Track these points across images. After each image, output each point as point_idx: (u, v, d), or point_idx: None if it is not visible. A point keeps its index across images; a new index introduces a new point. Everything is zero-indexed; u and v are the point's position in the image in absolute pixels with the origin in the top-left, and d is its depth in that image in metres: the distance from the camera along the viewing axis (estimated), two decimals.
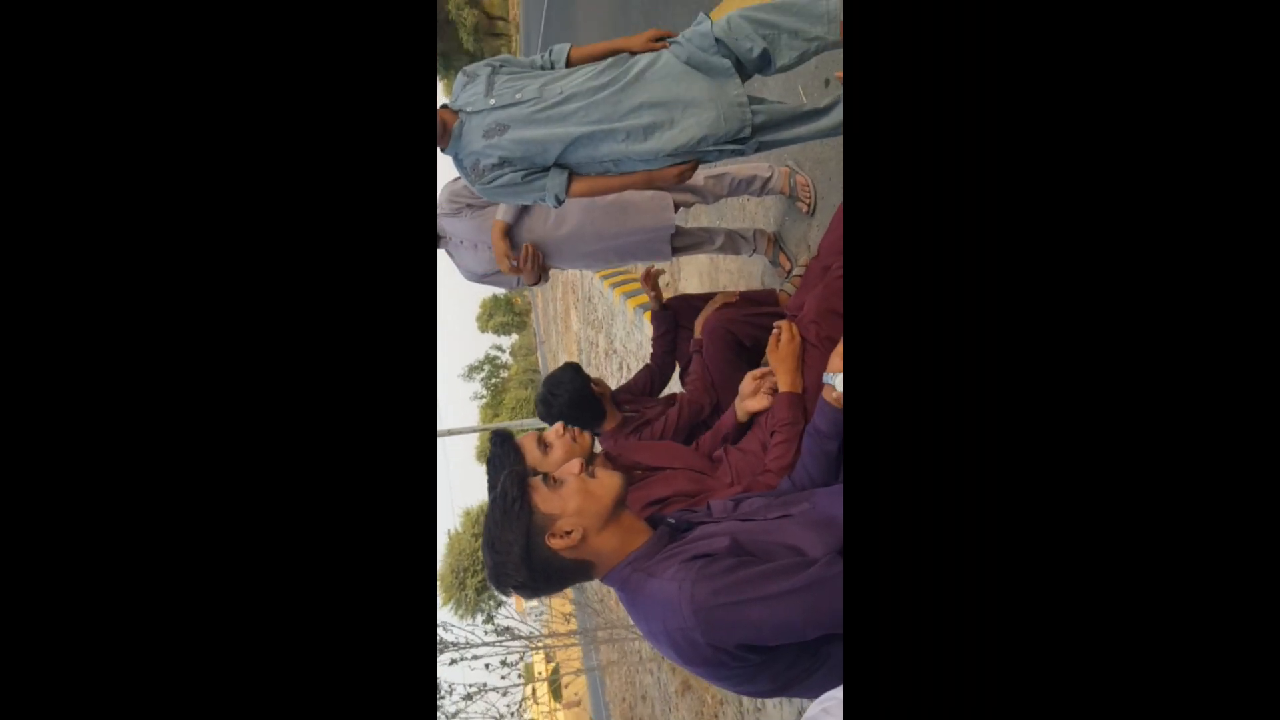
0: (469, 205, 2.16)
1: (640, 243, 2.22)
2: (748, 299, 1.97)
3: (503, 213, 2.07)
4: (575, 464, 1.07)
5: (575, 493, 1.03)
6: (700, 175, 2.23)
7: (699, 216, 3.15)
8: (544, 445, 1.47)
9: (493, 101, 1.62)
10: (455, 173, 2.12)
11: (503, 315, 38.83)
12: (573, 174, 1.68)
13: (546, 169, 1.67)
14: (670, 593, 0.92)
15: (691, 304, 2.10)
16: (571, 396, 1.82)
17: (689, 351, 2.00)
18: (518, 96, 1.61)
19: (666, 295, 2.23)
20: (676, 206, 2.25)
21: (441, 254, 2.27)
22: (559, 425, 1.53)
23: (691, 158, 1.62)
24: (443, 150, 1.69)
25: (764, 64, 1.56)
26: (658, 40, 1.62)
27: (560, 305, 10.10)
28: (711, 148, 1.60)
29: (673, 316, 2.16)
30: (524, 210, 2.11)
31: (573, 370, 1.94)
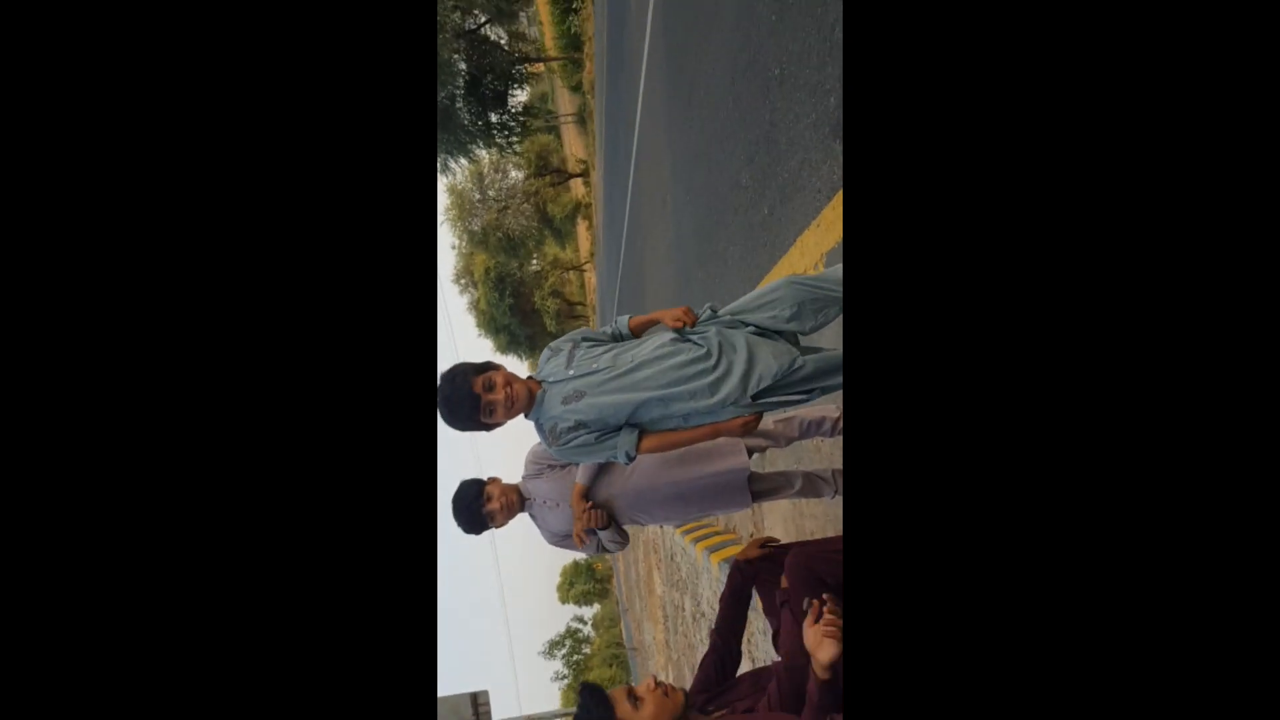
0: (550, 466, 2.22)
1: (716, 488, 2.18)
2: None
3: (581, 474, 2.12)
4: None
5: None
6: (769, 420, 2.25)
7: (775, 461, 3.11)
8: (635, 699, 1.34)
9: (571, 372, 1.76)
10: (536, 438, 2.23)
11: (584, 583, 37.80)
12: (643, 431, 1.73)
13: (618, 429, 1.74)
14: None
15: (775, 560, 1.97)
16: None
17: (776, 605, 1.83)
18: (594, 366, 1.75)
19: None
20: (751, 452, 2.24)
21: (527, 519, 2.30)
22: (650, 679, 1.40)
23: (755, 410, 1.66)
24: (526, 416, 1.80)
25: (797, 326, 1.73)
26: (679, 322, 1.79)
27: (642, 567, 9.77)
28: (774, 400, 1.66)
29: (751, 572, 2.02)
30: (601, 468, 2.15)
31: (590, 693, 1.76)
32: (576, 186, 26.09)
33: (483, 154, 23.02)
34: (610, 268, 13.97)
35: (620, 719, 1.35)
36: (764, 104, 3.18)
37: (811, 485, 2.33)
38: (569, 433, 1.74)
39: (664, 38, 5.71)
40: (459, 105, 20.95)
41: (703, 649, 3.83)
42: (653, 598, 8.72)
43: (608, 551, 2.30)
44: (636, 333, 1.89)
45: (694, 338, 1.73)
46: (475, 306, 32.19)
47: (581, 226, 26.10)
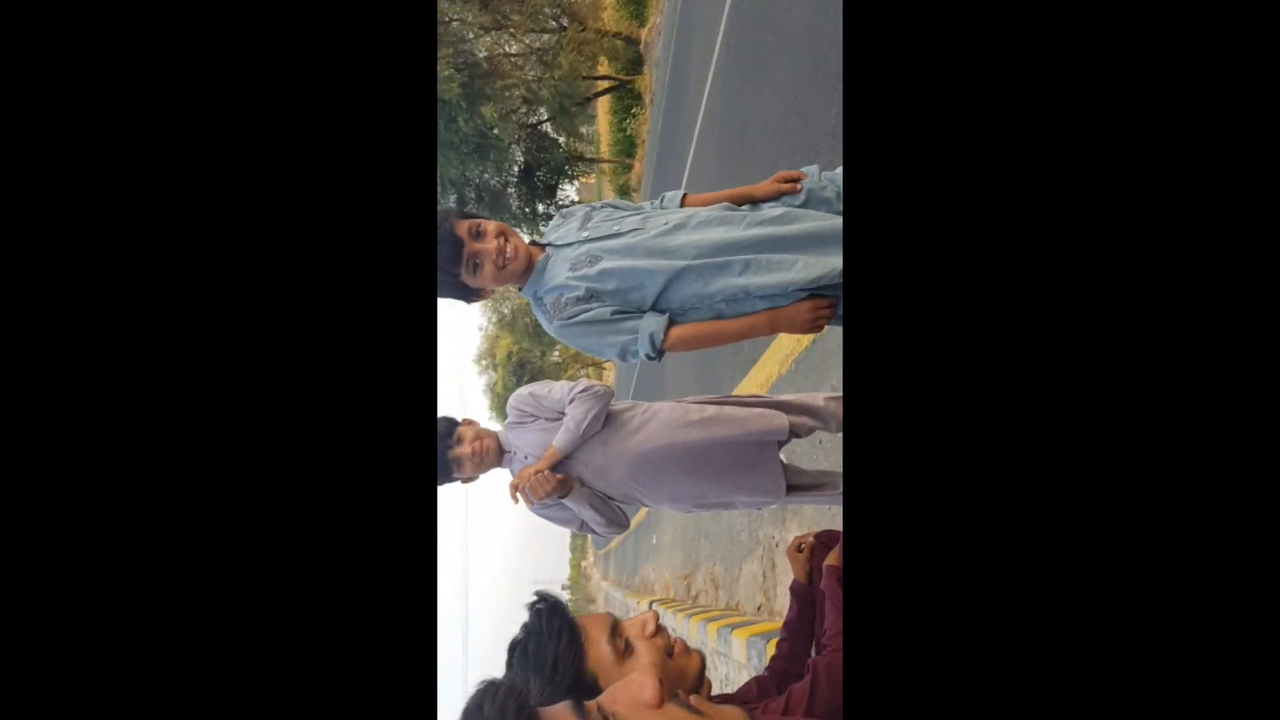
0: (534, 416, 1.78)
1: (743, 456, 1.72)
2: None
3: (559, 438, 1.66)
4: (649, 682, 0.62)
5: None
6: (820, 395, 1.82)
7: (820, 462, 2.64)
8: (622, 643, 0.86)
9: (586, 234, 1.37)
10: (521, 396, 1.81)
11: None
12: (673, 319, 1.32)
13: (640, 313, 1.33)
14: None
15: (830, 539, 1.50)
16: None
17: (821, 594, 1.35)
18: (615, 228, 1.36)
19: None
20: (792, 433, 1.80)
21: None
22: (650, 617, 0.92)
23: (833, 295, 1.25)
24: (520, 290, 1.40)
25: None
26: (787, 182, 1.39)
27: None
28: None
29: (809, 588, 1.55)
30: (591, 435, 1.70)
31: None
32: None
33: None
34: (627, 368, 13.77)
35: (592, 668, 0.86)
36: (831, 103, 2.98)
37: None
38: (576, 304, 1.31)
39: (717, 116, 5.74)
40: (510, 190, 21.80)
41: None
42: None
43: (593, 533, 1.82)
44: None
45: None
46: (492, 389, 32.10)
47: None
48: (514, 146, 20.78)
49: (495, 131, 18.95)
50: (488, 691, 0.59)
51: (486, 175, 20.16)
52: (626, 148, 19.98)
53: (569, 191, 24.47)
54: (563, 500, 1.70)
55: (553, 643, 0.86)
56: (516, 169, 21.31)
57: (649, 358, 1.32)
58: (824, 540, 1.58)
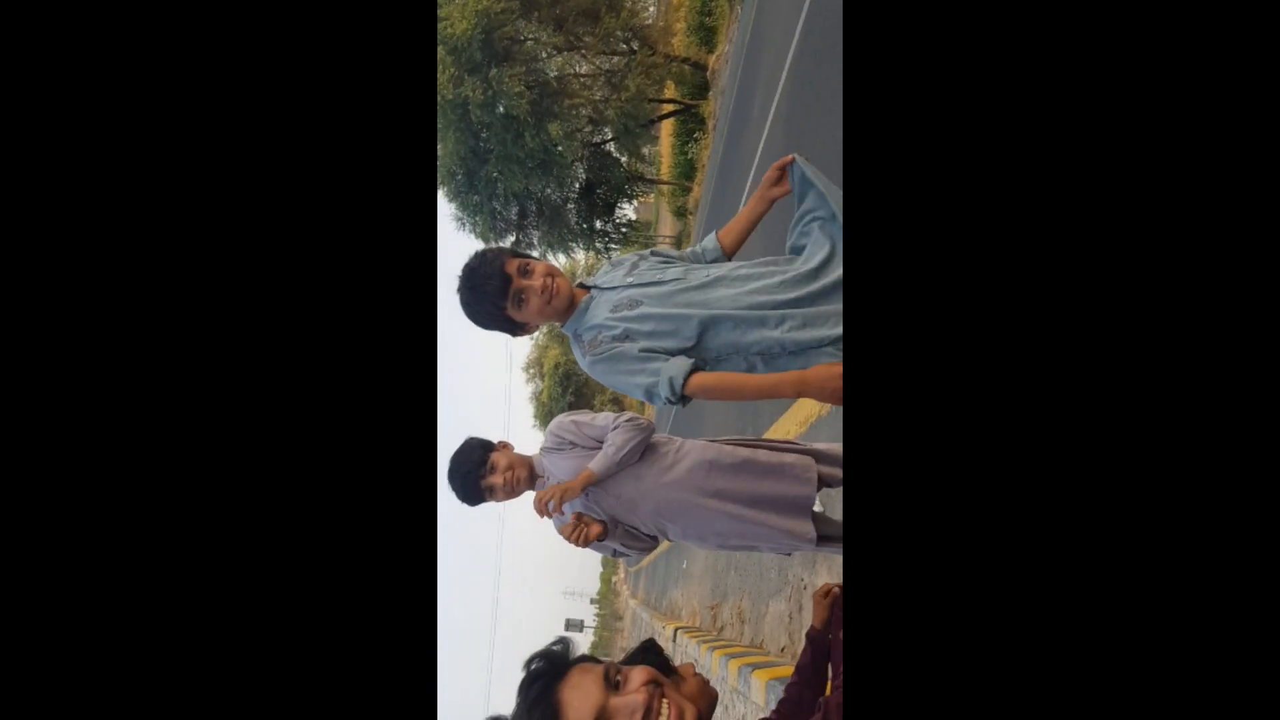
0: (573, 444, 1.84)
1: (772, 513, 1.73)
2: None
3: (596, 461, 1.70)
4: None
5: None
6: None
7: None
8: (614, 683, 0.85)
9: (631, 279, 1.43)
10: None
11: None
12: (699, 366, 1.35)
13: (670, 355, 1.36)
14: None
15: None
16: None
17: (838, 642, 1.36)
18: (658, 277, 1.41)
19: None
20: (821, 484, 1.81)
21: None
22: (644, 676, 0.90)
23: None
24: (562, 327, 1.46)
25: None
26: (775, 172, 1.41)
27: None
28: None
29: (826, 636, 1.56)
30: (628, 465, 1.74)
31: (645, 648, 1.34)
32: None
33: (580, 255, 23.99)
34: None
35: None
36: None
37: None
38: (611, 342, 1.36)
39: (783, 132, 5.77)
40: (570, 206, 22.18)
41: None
42: None
43: (622, 556, 1.85)
44: (730, 252, 1.53)
45: (803, 243, 1.37)
46: (537, 398, 32.47)
47: None
48: (576, 164, 21.15)
49: (559, 149, 19.33)
50: None
51: (548, 190, 20.56)
52: (686, 171, 20.14)
53: (627, 211, 24.73)
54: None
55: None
56: (578, 186, 21.67)
57: (669, 401, 1.35)
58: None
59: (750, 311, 1.30)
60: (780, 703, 1.53)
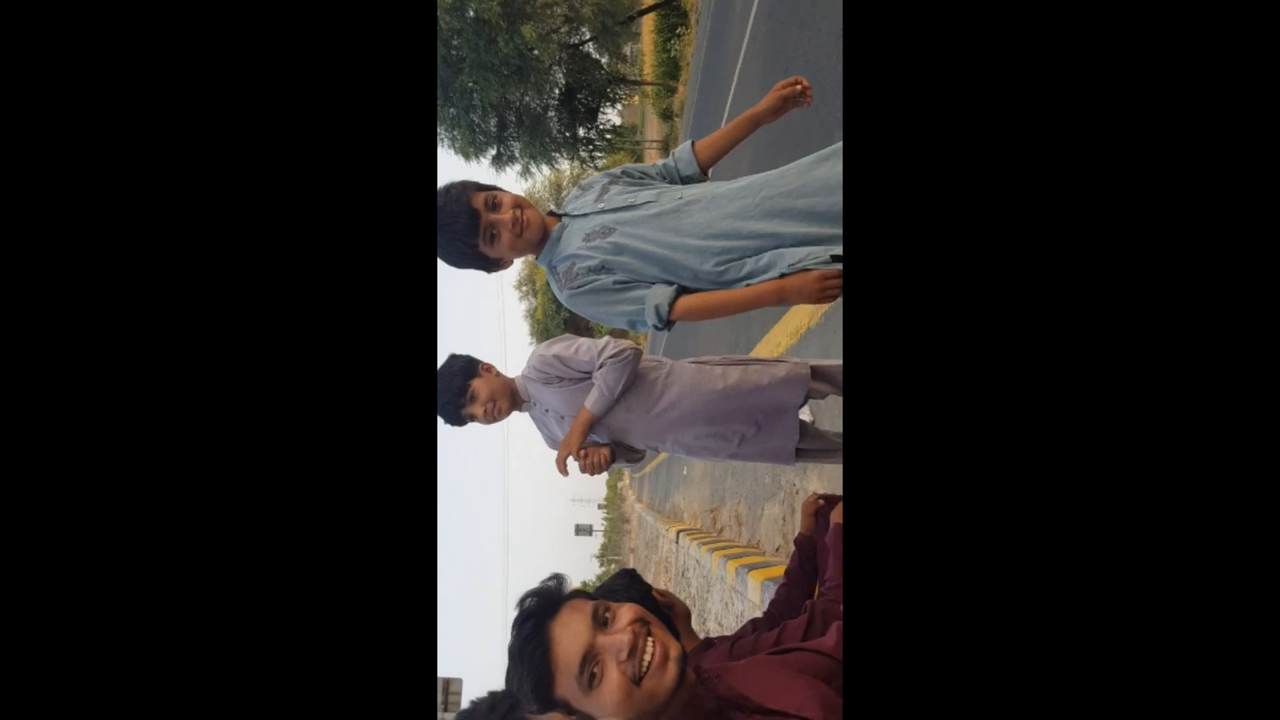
0: (559, 378, 1.83)
1: (760, 428, 1.79)
2: None
3: (592, 402, 1.70)
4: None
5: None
6: (837, 362, 1.87)
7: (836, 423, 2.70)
8: (590, 668, 0.86)
9: (601, 205, 1.41)
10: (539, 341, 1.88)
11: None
12: (682, 289, 1.36)
13: (649, 283, 1.37)
14: None
15: (834, 503, 1.59)
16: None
17: (824, 547, 1.45)
18: (630, 200, 1.39)
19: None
20: (806, 397, 1.85)
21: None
22: (628, 631, 0.89)
23: (836, 267, 1.27)
24: (536, 258, 1.46)
25: None
26: (787, 93, 1.38)
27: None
28: None
29: (811, 542, 1.65)
30: (622, 396, 1.76)
31: (629, 576, 1.42)
32: None
33: (564, 165, 23.32)
34: None
35: (561, 695, 0.86)
36: None
37: None
38: (587, 273, 1.35)
39: (762, 44, 5.50)
40: (551, 114, 21.34)
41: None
42: None
43: (624, 466, 1.92)
44: (705, 166, 1.50)
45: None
46: (531, 315, 32.41)
47: None
48: (555, 68, 20.20)
49: (535, 52, 18.41)
50: (486, 699, 0.67)
51: (527, 98, 19.74)
52: (670, 70, 19.26)
53: (611, 115, 23.84)
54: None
55: (524, 673, 0.87)
56: (557, 92, 20.77)
57: (656, 328, 1.37)
58: (834, 499, 1.67)
59: (725, 241, 1.29)
60: (771, 603, 1.64)
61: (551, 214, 1.46)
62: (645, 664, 0.86)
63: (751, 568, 3.06)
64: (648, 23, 21.66)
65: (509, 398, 1.84)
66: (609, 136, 23.18)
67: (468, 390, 1.76)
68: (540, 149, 21.01)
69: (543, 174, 22.33)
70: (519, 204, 1.38)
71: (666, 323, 1.37)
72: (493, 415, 1.79)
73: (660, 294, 1.33)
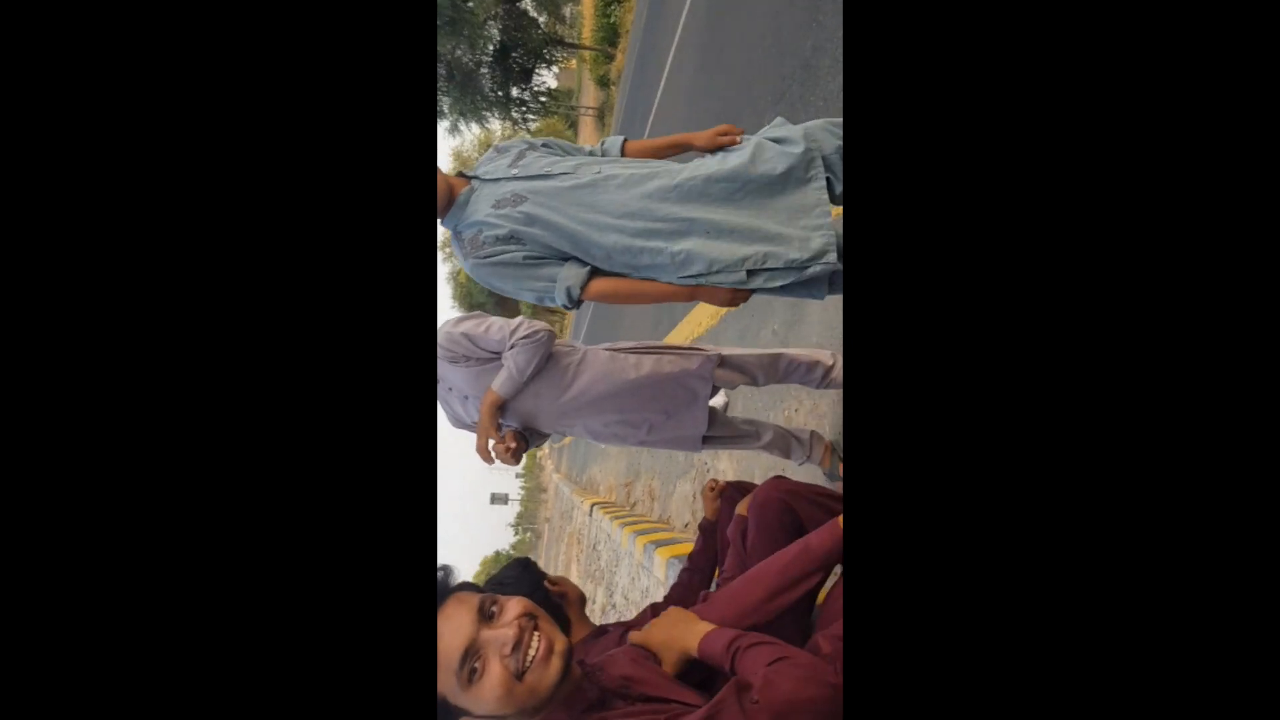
0: (466, 357, 1.74)
1: (669, 415, 1.77)
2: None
3: (500, 384, 1.63)
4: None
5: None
6: (751, 351, 1.87)
7: (736, 407, 2.72)
8: (470, 663, 0.83)
9: (515, 171, 1.33)
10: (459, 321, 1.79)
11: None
12: (595, 271, 1.31)
13: (562, 259, 1.31)
14: None
15: (743, 492, 1.59)
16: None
17: (725, 540, 1.45)
18: (547, 169, 1.32)
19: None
20: (717, 388, 1.85)
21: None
22: (520, 608, 0.88)
23: (748, 288, 1.26)
24: (441, 221, 1.37)
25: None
26: (725, 136, 1.36)
27: (563, 558, 9.28)
28: (780, 267, 1.24)
29: (713, 524, 1.65)
30: (531, 381, 1.69)
31: (521, 566, 1.38)
32: None
33: (495, 125, 22.60)
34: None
35: (442, 692, 0.83)
36: (807, 36, 2.87)
37: (782, 442, 1.95)
38: (495, 243, 1.28)
39: (702, 18, 5.44)
40: (484, 71, 20.59)
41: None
42: None
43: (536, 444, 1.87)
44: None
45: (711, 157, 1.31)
46: (455, 278, 31.52)
47: None
48: (490, 23, 19.47)
49: (470, 4, 17.68)
50: None
51: (459, 52, 18.98)
52: (609, 36, 18.87)
53: (546, 77, 23.23)
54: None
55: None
56: (491, 48, 20.06)
57: (565, 307, 1.32)
58: (737, 487, 1.67)
59: (639, 223, 1.25)
60: (673, 587, 1.64)
61: (461, 175, 1.37)
62: (529, 658, 0.84)
63: (659, 544, 3.08)
64: None
65: None
66: (543, 99, 22.60)
67: None
68: (470, 106, 20.27)
69: (472, 132, 21.58)
70: None
71: (576, 302, 1.32)
72: None
73: (572, 274, 1.28)
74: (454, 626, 0.83)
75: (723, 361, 1.80)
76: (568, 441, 16.97)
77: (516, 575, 1.33)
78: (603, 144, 1.44)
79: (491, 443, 1.66)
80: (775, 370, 1.85)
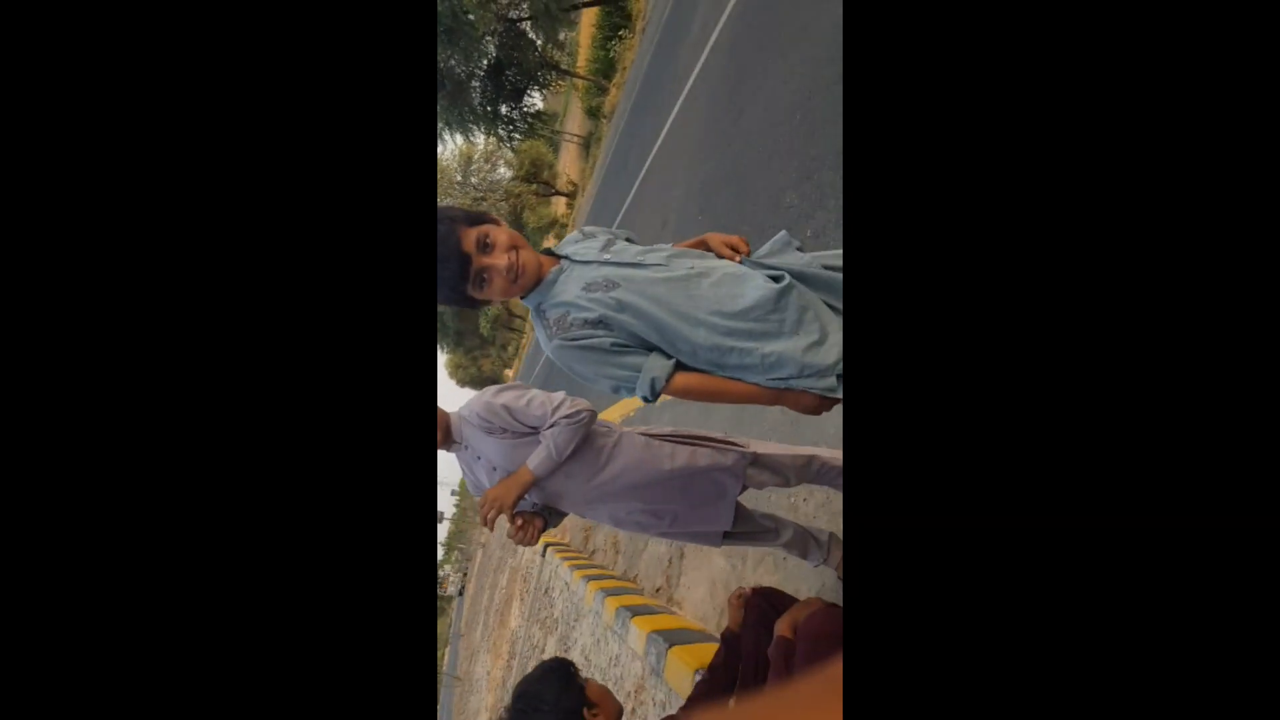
0: (503, 429, 1.65)
1: (693, 513, 1.71)
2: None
3: (537, 464, 1.57)
4: None
5: None
6: (783, 449, 1.82)
7: (757, 502, 2.66)
8: None
9: (608, 257, 1.27)
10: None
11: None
12: (680, 366, 1.26)
13: (646, 350, 1.26)
14: None
15: (772, 603, 1.52)
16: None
17: (750, 652, 1.38)
18: (640, 259, 1.27)
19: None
20: (744, 487, 1.79)
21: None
22: None
23: (835, 396, 1.22)
24: (523, 299, 1.30)
25: None
26: (732, 249, 1.34)
27: (502, 593, 8.97)
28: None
29: (737, 638, 1.57)
30: (566, 463, 1.62)
31: (560, 682, 1.28)
32: (559, 204, 25.80)
33: (479, 140, 22.53)
34: None
35: None
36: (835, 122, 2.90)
37: (801, 543, 1.89)
38: (583, 326, 1.22)
39: (725, 59, 5.51)
40: (475, 84, 20.55)
41: None
42: (503, 629, 7.95)
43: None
44: None
45: (770, 273, 1.28)
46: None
47: (551, 243, 25.72)
48: (488, 38, 19.50)
49: (471, 16, 17.68)
50: None
51: (453, 61, 18.92)
52: (605, 69, 19.10)
53: (536, 99, 23.31)
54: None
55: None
56: (486, 62, 20.06)
57: (645, 399, 1.27)
58: (764, 596, 1.60)
59: (731, 322, 1.20)
60: (691, 697, 1.55)
61: (549, 253, 1.31)
62: None
63: (635, 611, 2.98)
64: (589, 16, 21.38)
65: (446, 430, 1.66)
66: (530, 120, 22.65)
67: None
68: (457, 117, 20.16)
69: (455, 143, 21.44)
70: (514, 244, 1.21)
71: (656, 396, 1.26)
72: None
73: (658, 366, 1.22)
74: None
75: (756, 459, 1.75)
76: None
77: (556, 694, 1.23)
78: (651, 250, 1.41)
79: (504, 519, 1.57)
80: (808, 472, 1.81)
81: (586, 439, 1.62)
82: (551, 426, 1.55)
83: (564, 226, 23.67)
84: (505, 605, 8.26)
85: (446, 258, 1.15)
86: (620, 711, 1.36)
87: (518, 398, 1.59)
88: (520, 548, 8.34)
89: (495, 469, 1.66)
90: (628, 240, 1.36)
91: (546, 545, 6.21)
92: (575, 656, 3.96)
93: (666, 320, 1.21)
